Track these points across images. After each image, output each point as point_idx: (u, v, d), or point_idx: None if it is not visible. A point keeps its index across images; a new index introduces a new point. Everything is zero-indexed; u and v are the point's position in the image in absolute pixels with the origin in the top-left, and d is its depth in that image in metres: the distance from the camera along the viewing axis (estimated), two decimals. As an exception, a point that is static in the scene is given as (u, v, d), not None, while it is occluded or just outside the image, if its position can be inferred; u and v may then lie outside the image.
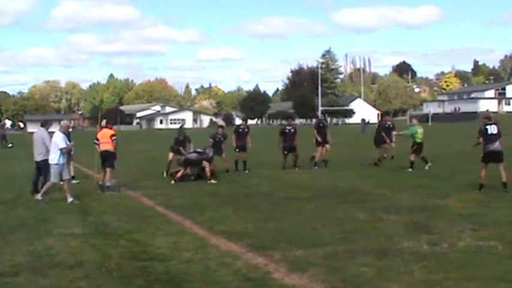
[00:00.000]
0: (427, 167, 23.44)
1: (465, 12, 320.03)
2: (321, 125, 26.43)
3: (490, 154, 17.26)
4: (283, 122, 26.18)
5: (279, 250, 9.96)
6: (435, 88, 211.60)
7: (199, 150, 21.81)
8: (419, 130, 24.06)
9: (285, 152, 24.70)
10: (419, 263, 8.99)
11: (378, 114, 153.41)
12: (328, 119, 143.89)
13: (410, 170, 23.02)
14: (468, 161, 24.28)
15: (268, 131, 67.09)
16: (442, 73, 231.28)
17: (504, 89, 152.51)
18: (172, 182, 20.66)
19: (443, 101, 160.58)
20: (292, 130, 25.24)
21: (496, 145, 17.26)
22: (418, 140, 23.81)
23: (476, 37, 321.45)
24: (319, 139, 25.35)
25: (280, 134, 25.19)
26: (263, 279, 8.34)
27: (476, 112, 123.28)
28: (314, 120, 24.04)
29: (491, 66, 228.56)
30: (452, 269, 8.65)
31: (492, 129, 17.38)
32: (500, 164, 17.22)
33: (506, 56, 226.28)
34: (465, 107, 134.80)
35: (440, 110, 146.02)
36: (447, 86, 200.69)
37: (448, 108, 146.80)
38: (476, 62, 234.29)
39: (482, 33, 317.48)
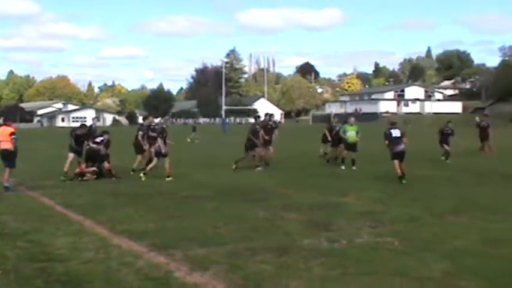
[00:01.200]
0: (354, 167, 23.89)
1: (367, 15, 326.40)
2: (269, 126, 26.11)
3: (397, 154, 19.81)
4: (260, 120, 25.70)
5: (180, 249, 9.93)
6: (337, 89, 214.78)
7: (98, 139, 21.46)
8: (349, 128, 24.55)
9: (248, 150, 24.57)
10: (318, 259, 9.15)
11: (281, 114, 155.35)
12: (232, 119, 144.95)
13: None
14: (368, 161, 24.85)
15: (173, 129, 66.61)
16: (344, 74, 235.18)
17: (403, 91, 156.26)
18: (62, 177, 20.41)
19: (345, 101, 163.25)
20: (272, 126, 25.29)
21: (401, 146, 19.85)
22: (349, 140, 24.35)
23: (377, 40, 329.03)
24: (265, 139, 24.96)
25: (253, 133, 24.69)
26: (165, 278, 8.31)
27: (376, 113, 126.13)
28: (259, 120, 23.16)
29: (391, 69, 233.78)
30: (350, 265, 8.84)
31: (396, 132, 20.08)
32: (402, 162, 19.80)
33: (405, 59, 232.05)
34: (366, 108, 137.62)
35: (342, 111, 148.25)
36: (349, 87, 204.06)
37: (350, 108, 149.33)
38: (377, 64, 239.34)
39: (383, 37, 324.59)
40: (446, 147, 26.33)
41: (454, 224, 12.24)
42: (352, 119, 25.58)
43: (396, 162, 19.67)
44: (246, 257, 9.35)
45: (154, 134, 21.65)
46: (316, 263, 8.95)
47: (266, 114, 26.36)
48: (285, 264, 8.90)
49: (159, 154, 20.97)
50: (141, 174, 20.66)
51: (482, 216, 12.96)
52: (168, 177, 20.59)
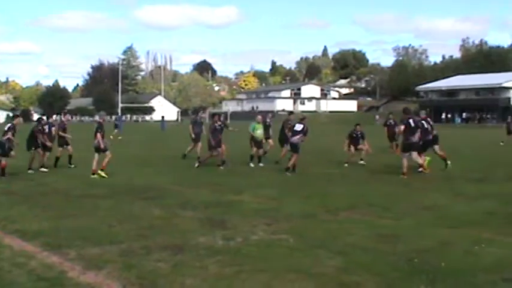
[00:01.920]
0: (261, 164, 24.40)
1: (264, 14, 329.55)
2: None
3: (290, 144, 22.70)
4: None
5: (74, 248, 9.74)
6: (234, 87, 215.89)
7: None
8: (258, 127, 24.78)
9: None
10: (213, 257, 9.15)
11: (178, 112, 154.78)
12: (128, 116, 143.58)
13: (251, 164, 24.40)
14: (264, 159, 25.02)
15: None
16: (242, 72, 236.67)
17: (299, 89, 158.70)
18: None
19: (242, 99, 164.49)
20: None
21: (295, 138, 22.21)
22: (256, 137, 24.59)
23: (274, 39, 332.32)
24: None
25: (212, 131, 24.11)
26: (58, 279, 8.13)
27: (273, 111, 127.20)
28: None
29: (288, 67, 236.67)
30: (246, 262, 8.87)
31: (298, 127, 22.47)
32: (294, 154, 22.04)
33: (302, 58, 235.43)
34: (263, 106, 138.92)
35: (239, 109, 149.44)
36: (246, 85, 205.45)
37: (247, 106, 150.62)
38: (274, 63, 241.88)
39: (280, 35, 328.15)
40: (363, 146, 25.99)
41: (347, 220, 12.47)
42: (260, 117, 25.62)
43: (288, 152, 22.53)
44: (141, 256, 9.27)
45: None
46: (211, 260, 8.95)
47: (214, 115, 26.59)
48: (180, 263, 8.87)
49: (98, 149, 20.80)
50: (97, 174, 20.53)
51: (375, 213, 13.29)
52: (102, 170, 20.53)
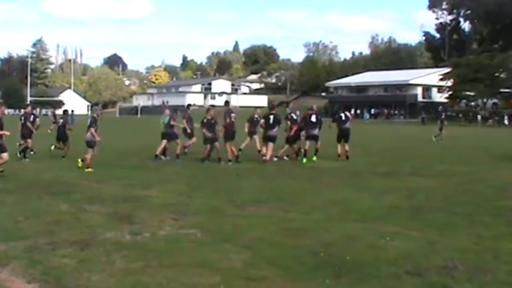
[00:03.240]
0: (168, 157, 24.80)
1: (176, 8, 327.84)
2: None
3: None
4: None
5: (-23, 245, 9.58)
6: (145, 81, 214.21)
7: None
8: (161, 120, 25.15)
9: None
10: (120, 252, 9.10)
11: (88, 106, 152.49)
12: (38, 110, 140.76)
13: (163, 157, 24.62)
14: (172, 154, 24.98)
15: None
16: (152, 67, 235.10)
17: (210, 84, 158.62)
18: None
19: (152, 94, 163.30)
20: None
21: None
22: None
23: (185, 33, 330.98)
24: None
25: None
26: (-41, 276, 7.99)
27: (184, 106, 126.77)
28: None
29: (199, 62, 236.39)
30: (153, 257, 8.86)
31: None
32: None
33: (213, 53, 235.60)
34: (173, 101, 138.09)
35: (149, 103, 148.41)
36: (156, 79, 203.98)
37: (157, 101, 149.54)
38: (185, 57, 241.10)
39: (191, 30, 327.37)
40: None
41: (255, 214, 12.58)
42: (167, 111, 25.69)
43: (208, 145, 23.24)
44: (47, 252, 9.14)
45: None
46: (118, 256, 8.91)
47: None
48: (86, 258, 8.79)
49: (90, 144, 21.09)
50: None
51: (282, 208, 13.44)
52: (83, 161, 21.17)
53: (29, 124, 25.25)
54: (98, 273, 8.04)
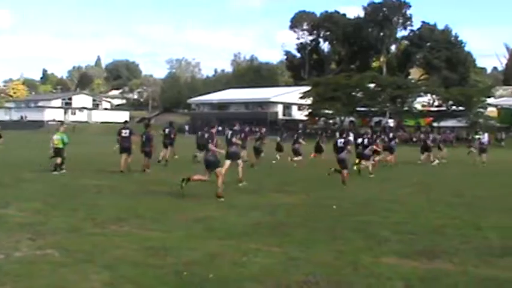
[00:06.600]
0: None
1: (37, 20, 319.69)
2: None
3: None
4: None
5: None
6: (2, 95, 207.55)
7: None
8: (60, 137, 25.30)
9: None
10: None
11: None
12: None
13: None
14: (33, 170, 24.26)
15: None
16: (11, 80, 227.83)
17: (71, 99, 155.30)
18: None
19: (10, 108, 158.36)
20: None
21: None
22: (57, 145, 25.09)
23: (46, 46, 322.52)
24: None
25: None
26: None
27: (43, 121, 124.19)
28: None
29: (59, 76, 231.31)
30: (8, 280, 8.47)
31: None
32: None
33: (74, 67, 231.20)
34: (32, 115, 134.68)
35: (7, 118, 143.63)
36: (14, 93, 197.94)
37: (15, 115, 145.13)
38: (45, 71, 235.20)
39: (52, 43, 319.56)
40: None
41: (115, 233, 12.28)
42: (62, 128, 26.13)
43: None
44: None
45: None
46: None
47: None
48: None
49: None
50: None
51: (144, 226, 13.21)
52: None
53: None
54: None
